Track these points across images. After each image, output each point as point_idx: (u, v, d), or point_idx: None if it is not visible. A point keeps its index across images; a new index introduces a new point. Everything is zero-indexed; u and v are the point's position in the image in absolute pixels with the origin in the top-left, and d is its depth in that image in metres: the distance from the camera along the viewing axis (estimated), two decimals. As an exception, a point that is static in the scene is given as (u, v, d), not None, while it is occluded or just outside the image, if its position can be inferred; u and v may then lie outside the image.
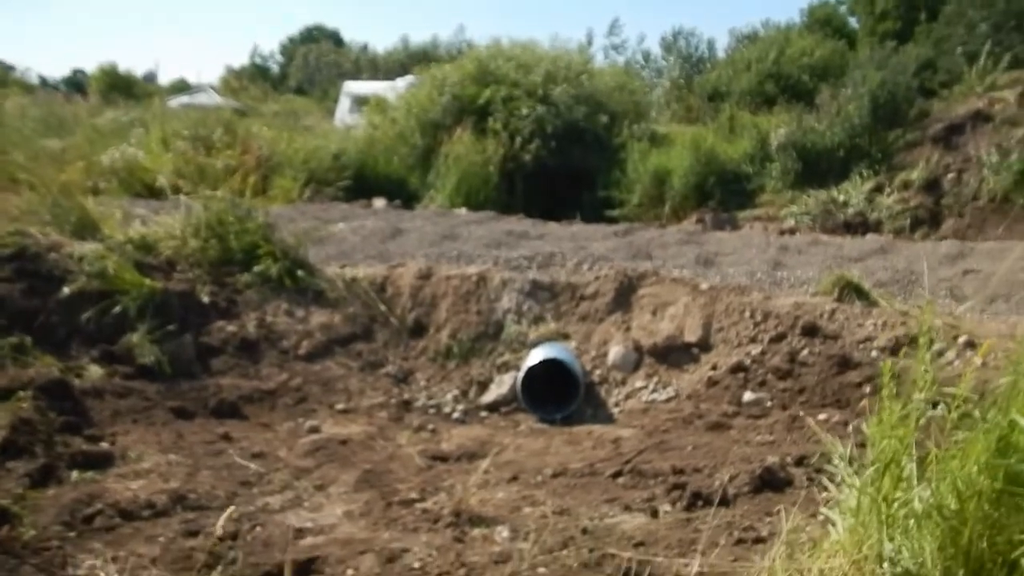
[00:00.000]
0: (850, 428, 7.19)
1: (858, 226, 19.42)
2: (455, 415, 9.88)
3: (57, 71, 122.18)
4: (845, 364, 9.11)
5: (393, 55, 71.03)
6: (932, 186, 20.26)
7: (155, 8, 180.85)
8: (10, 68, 67.33)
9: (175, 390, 9.15)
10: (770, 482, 6.67)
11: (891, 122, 22.13)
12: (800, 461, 7.06)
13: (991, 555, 3.90)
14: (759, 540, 5.57)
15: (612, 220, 20.28)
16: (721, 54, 43.71)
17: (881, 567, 3.98)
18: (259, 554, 5.61)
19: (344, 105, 40.55)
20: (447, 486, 7.16)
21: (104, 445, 7.51)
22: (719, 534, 5.65)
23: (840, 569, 4.05)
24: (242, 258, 11.24)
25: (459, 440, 8.81)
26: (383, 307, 11.17)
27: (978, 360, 4.65)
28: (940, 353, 8.58)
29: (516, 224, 16.87)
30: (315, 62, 74.91)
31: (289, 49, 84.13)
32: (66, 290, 9.78)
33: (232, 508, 5.59)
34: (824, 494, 5.10)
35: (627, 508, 6.60)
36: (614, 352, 10.60)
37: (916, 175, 20.38)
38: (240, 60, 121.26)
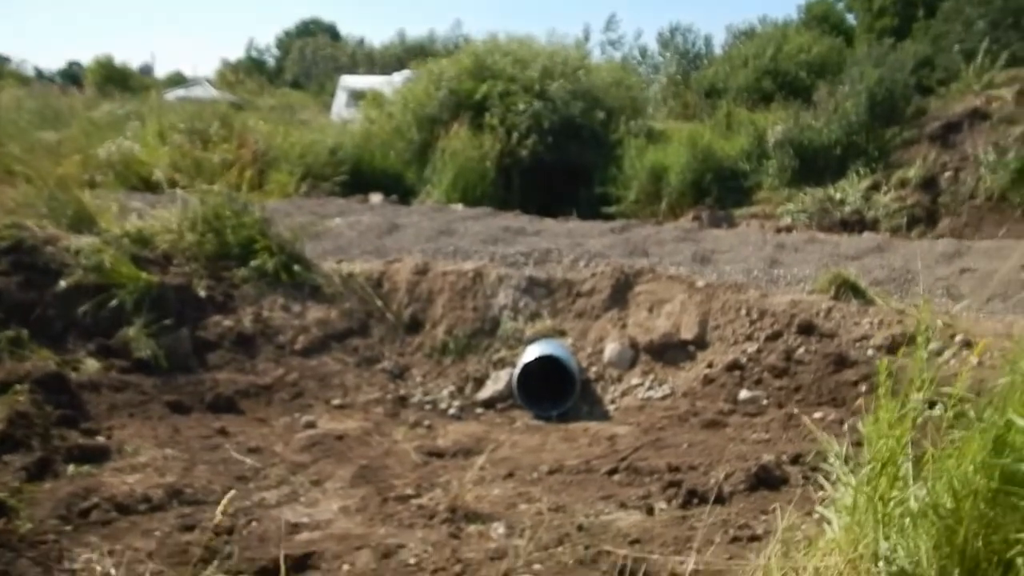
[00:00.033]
0: (846, 427, 7.22)
1: (855, 224, 19.43)
2: (451, 411, 9.89)
3: (53, 63, 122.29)
4: (841, 362, 9.13)
5: (390, 49, 71.07)
6: (929, 184, 20.25)
7: (151, 1, 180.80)
8: (6, 60, 67.58)
9: (171, 384, 9.15)
10: (766, 480, 6.69)
11: (888, 120, 22.13)
12: (796, 459, 7.07)
13: (987, 554, 3.91)
14: (755, 538, 5.58)
15: (608, 217, 20.27)
16: (718, 50, 43.66)
17: (877, 566, 3.99)
18: (255, 549, 5.62)
19: (340, 99, 40.66)
20: (443, 482, 7.16)
21: (100, 439, 7.52)
22: (715, 532, 5.66)
23: (836, 568, 4.06)
24: (238, 252, 11.23)
25: (455, 436, 8.82)
26: (379, 302, 11.17)
27: (974, 359, 4.65)
28: (937, 352, 8.59)
29: (512, 220, 16.88)
30: (311, 56, 74.95)
31: (285, 43, 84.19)
32: (63, 283, 9.78)
33: (232, 492, 5.58)
34: (820, 492, 5.11)
35: (623, 505, 6.62)
36: (610, 349, 10.60)
37: (913, 173, 20.38)
38: (236, 53, 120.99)
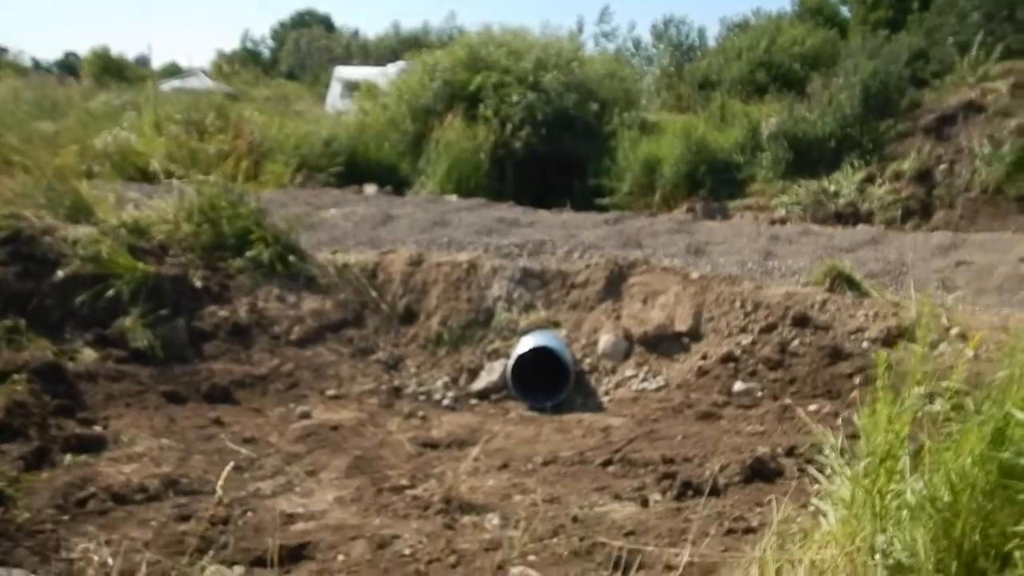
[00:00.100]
0: (840, 419, 7.22)
1: (849, 216, 19.41)
2: (445, 402, 9.91)
3: (50, 54, 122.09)
4: (836, 355, 9.13)
5: (384, 41, 71.01)
6: (924, 177, 20.24)
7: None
8: (3, 51, 67.51)
9: (167, 374, 9.17)
10: (761, 472, 6.70)
11: (883, 112, 22.11)
12: (791, 451, 7.08)
13: (984, 547, 3.92)
14: (749, 530, 5.60)
15: (602, 208, 20.23)
16: (712, 43, 43.63)
17: (873, 559, 3.99)
18: (250, 539, 5.64)
19: (335, 90, 40.57)
20: (437, 473, 7.19)
21: (97, 429, 7.54)
22: (709, 524, 5.68)
23: (832, 560, 4.07)
24: (234, 243, 11.24)
25: (449, 427, 8.84)
26: (374, 293, 11.18)
27: (970, 352, 4.67)
28: (933, 345, 8.61)
29: (507, 211, 16.86)
30: (306, 47, 74.86)
31: (280, 34, 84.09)
32: (60, 273, 9.79)
33: (225, 478, 5.58)
34: (815, 485, 5.12)
35: (617, 497, 6.64)
36: (604, 341, 10.61)
37: (908, 166, 20.36)
38: (231, 44, 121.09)
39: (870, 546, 4.04)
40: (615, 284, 11.14)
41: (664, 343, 10.50)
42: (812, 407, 8.24)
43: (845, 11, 38.67)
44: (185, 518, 5.94)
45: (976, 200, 19.22)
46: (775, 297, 10.25)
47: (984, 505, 3.91)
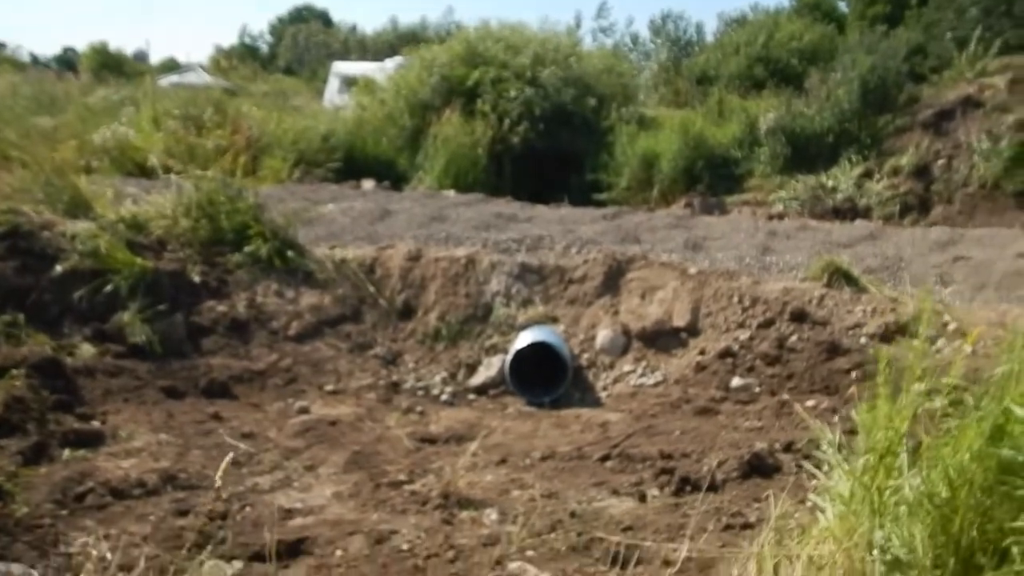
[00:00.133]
0: (838, 415, 7.24)
1: (847, 212, 19.41)
2: (443, 397, 9.90)
3: (49, 49, 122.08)
4: (834, 350, 9.13)
5: (382, 36, 70.96)
6: (922, 172, 20.25)
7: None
8: (2, 46, 67.28)
9: (166, 369, 9.17)
10: (758, 468, 6.71)
11: (881, 107, 22.12)
12: (788, 447, 7.09)
13: (982, 543, 3.92)
14: (747, 526, 5.61)
15: (600, 203, 20.27)
16: (710, 38, 43.62)
17: (871, 554, 4.00)
18: (248, 534, 5.65)
19: (333, 86, 40.53)
20: (435, 468, 7.19)
21: (95, 424, 7.55)
22: (707, 519, 5.69)
23: (829, 556, 4.07)
24: (232, 238, 11.23)
25: (447, 422, 8.84)
26: (372, 288, 11.17)
27: (968, 348, 4.67)
28: (931, 341, 8.62)
29: (504, 206, 16.87)
30: (304, 42, 74.79)
31: (278, 29, 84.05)
32: (58, 268, 9.79)
33: (228, 460, 5.59)
34: (813, 481, 5.12)
35: (615, 492, 6.64)
36: (602, 336, 10.61)
37: (906, 161, 20.38)
38: (229, 40, 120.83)
39: (868, 542, 4.04)
40: (613, 279, 11.14)
41: (662, 338, 10.49)
42: (810, 403, 8.24)
43: (843, 6, 38.65)
44: (183, 513, 5.94)
45: (974, 195, 19.24)
46: (773, 292, 10.25)
47: (982, 501, 3.91)
